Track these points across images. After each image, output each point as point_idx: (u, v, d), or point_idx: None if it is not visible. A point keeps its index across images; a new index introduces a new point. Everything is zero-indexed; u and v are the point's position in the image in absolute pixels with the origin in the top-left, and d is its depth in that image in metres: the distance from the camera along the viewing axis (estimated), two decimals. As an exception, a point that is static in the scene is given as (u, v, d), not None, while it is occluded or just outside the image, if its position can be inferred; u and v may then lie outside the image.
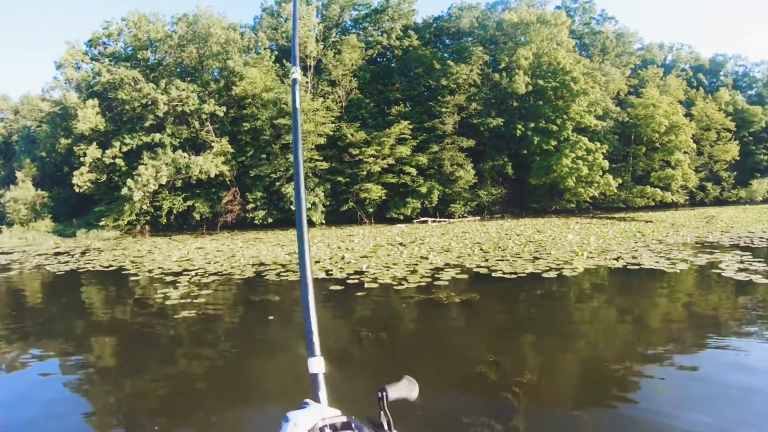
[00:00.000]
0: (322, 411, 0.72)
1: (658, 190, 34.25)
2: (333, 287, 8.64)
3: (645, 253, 11.37)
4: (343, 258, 12.40)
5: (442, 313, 6.80)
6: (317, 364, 0.80)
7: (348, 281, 9.10)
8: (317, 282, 9.34)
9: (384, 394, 0.81)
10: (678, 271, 9.02)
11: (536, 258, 10.99)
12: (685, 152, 36.56)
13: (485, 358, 4.75)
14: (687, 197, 38.75)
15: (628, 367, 4.41)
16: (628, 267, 9.58)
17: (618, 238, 15.06)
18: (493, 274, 9.20)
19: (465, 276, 9.17)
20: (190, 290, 8.81)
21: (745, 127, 45.33)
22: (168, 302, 7.85)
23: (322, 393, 0.77)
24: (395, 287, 8.34)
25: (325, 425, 0.67)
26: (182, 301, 7.90)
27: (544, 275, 8.89)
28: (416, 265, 10.67)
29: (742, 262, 9.78)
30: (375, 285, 8.59)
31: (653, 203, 34.75)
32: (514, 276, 8.96)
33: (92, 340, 6.31)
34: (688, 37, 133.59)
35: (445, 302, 7.17)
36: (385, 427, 0.76)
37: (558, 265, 9.87)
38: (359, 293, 8.07)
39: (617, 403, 3.83)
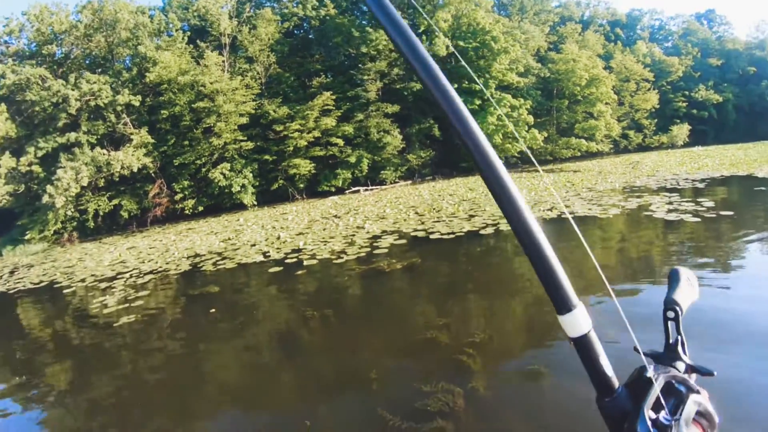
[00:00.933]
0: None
1: (583, 141, 35.77)
2: (272, 269, 8.50)
3: (577, 202, 11.69)
4: (278, 238, 12.21)
5: (385, 281, 6.73)
6: (581, 319, 0.52)
7: (286, 261, 8.94)
8: (255, 266, 9.13)
9: (679, 310, 0.59)
10: (611, 216, 9.31)
11: (472, 216, 11.06)
12: (606, 103, 38.29)
13: (435, 322, 4.69)
14: (611, 146, 40.74)
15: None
16: (562, 216, 9.70)
17: (549, 190, 15.41)
18: (431, 236, 9.17)
19: (403, 241, 9.13)
20: (126, 294, 8.38)
21: (663, 77, 47.93)
22: (106, 310, 7.45)
23: (604, 360, 0.51)
24: (335, 261, 8.24)
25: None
26: (120, 306, 7.50)
27: (482, 232, 8.97)
28: (353, 236, 10.62)
29: (670, 203, 10.16)
30: (314, 261, 8.46)
31: (579, 153, 36.32)
32: (452, 236, 8.97)
33: (33, 364, 5.84)
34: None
35: (387, 270, 7.08)
36: (681, 354, 0.57)
37: (494, 221, 9.92)
38: (299, 272, 7.92)
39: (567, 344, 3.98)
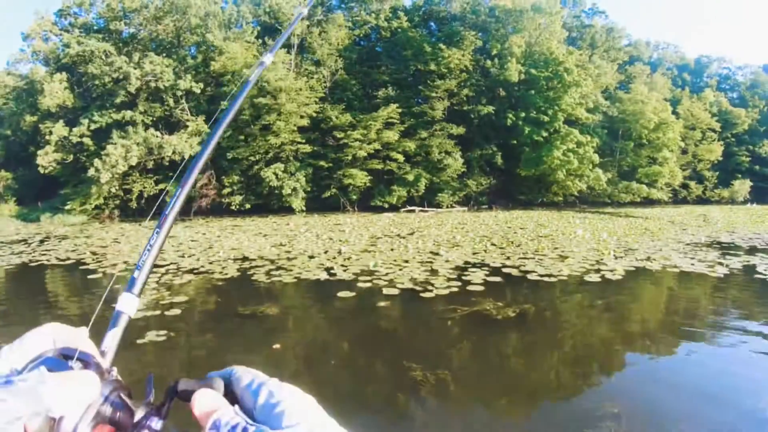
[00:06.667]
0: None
1: (644, 187, 34.03)
2: (342, 294, 6.89)
3: (673, 254, 10.43)
4: (340, 252, 10.86)
5: (502, 334, 5.30)
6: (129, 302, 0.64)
7: (358, 284, 7.46)
8: (319, 286, 7.66)
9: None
10: (721, 276, 8.15)
11: (563, 256, 9.83)
12: (671, 150, 36.48)
13: (600, 413, 3.32)
14: (670, 195, 38.76)
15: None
16: (667, 269, 8.64)
17: (630, 236, 14.12)
18: (528, 276, 7.98)
19: (498, 278, 7.84)
20: (159, 296, 6.80)
21: (729, 128, 45.67)
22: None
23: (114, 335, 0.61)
24: (422, 294, 6.79)
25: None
26: (149, 313, 5.91)
27: (586, 278, 7.76)
28: (431, 263, 9.27)
29: (776, 266, 9.06)
30: (395, 291, 7.00)
31: (638, 199, 34.50)
32: (553, 279, 7.77)
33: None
34: (673, 37, 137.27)
35: (498, 317, 5.68)
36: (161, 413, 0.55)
37: (592, 266, 8.77)
38: (381, 303, 6.39)
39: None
